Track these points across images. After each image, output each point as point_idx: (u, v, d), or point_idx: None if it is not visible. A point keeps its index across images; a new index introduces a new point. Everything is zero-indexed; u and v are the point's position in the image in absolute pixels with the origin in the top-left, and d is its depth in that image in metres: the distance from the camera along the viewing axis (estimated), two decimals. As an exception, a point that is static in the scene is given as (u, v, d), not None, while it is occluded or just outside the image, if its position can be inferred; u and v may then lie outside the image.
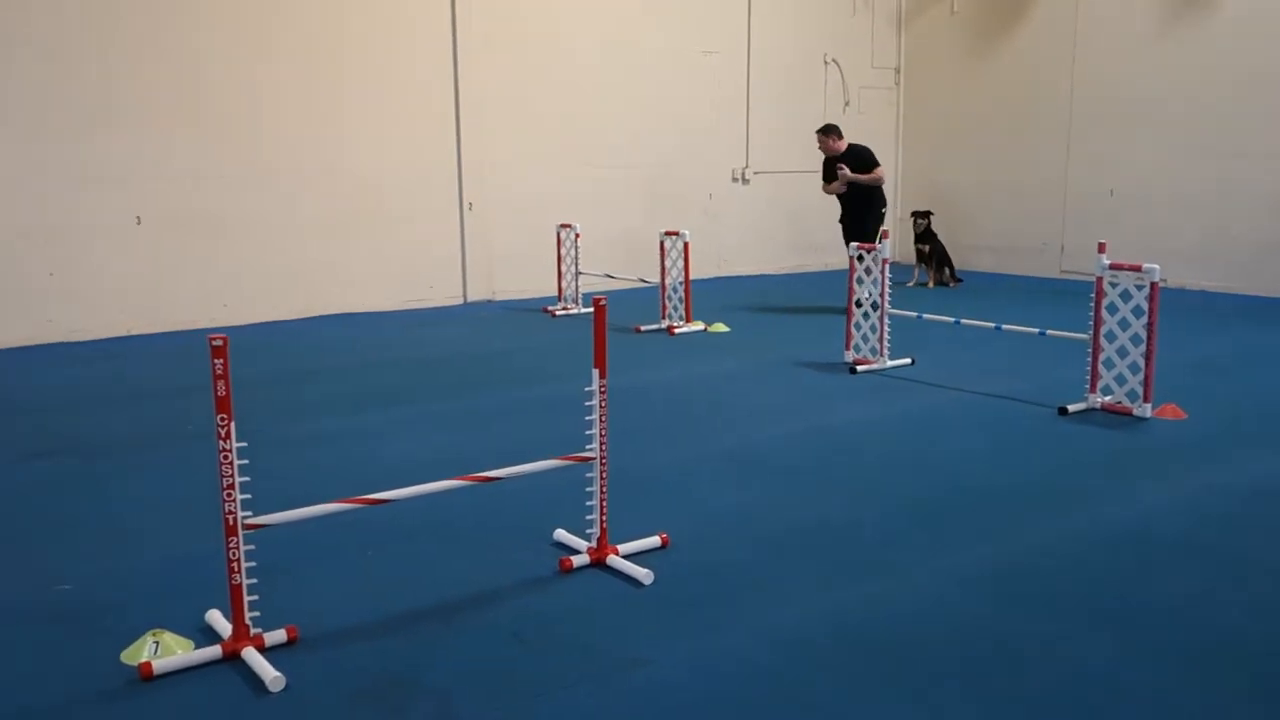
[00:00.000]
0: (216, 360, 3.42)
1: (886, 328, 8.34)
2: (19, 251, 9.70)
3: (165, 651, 3.58)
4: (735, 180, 14.71)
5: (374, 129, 11.53)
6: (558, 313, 11.47)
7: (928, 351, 8.82)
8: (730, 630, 3.79)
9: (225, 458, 3.48)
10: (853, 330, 8.50)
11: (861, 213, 11.52)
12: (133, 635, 3.70)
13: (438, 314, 11.69)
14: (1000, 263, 15.05)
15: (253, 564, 3.58)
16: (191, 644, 3.67)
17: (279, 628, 3.69)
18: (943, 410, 7.09)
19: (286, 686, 3.38)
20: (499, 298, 12.62)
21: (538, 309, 11.81)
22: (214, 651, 3.58)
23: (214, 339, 3.42)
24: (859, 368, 8.27)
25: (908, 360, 8.46)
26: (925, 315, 8.53)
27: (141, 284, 10.36)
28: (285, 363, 8.85)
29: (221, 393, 3.42)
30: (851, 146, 11.65)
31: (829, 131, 11.67)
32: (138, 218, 10.33)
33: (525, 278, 12.70)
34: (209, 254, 10.69)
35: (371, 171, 11.55)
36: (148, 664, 3.48)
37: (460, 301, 12.43)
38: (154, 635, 3.64)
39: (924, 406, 7.19)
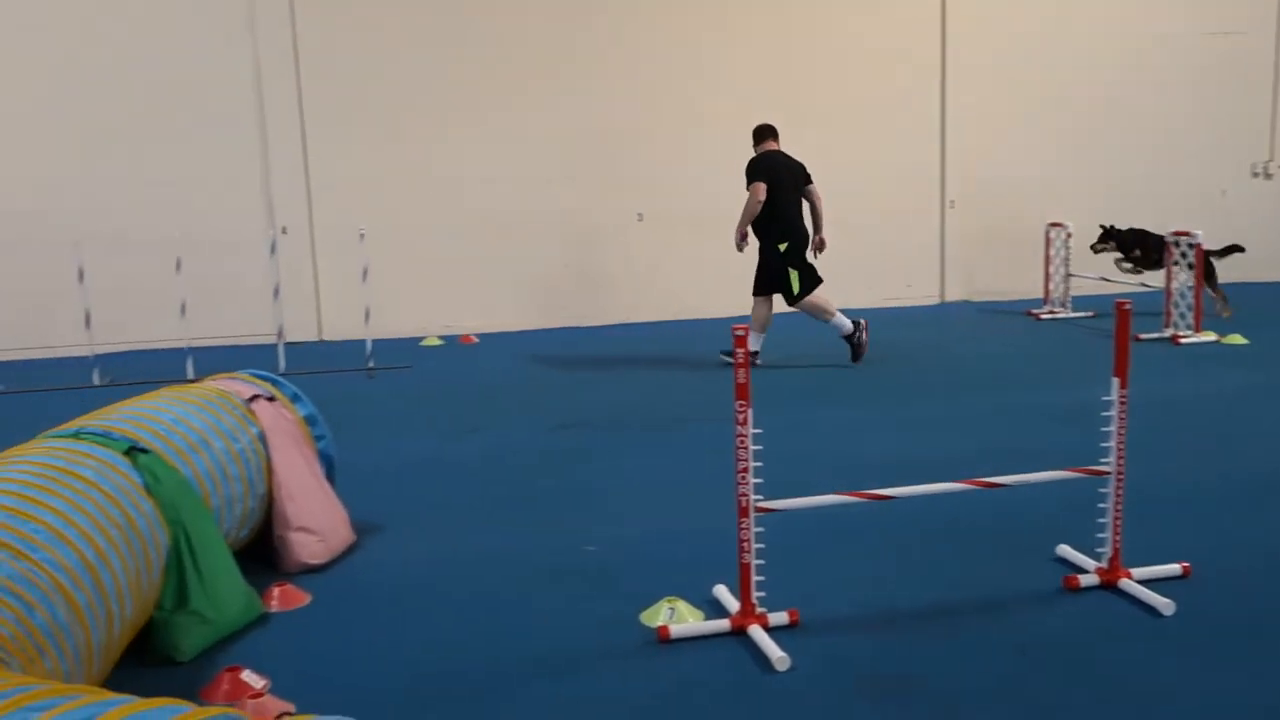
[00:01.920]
0: (738, 350, 3.60)
1: None
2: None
3: (679, 619, 3.84)
4: (1256, 175, 13.11)
5: (857, 123, 11.58)
6: (1043, 316, 10.89)
7: None
8: (1268, 674, 3.38)
9: (742, 442, 3.65)
10: None
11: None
12: (649, 599, 4.00)
13: (913, 313, 11.54)
14: None
15: (761, 545, 3.74)
16: (702, 614, 3.90)
17: (782, 609, 3.81)
18: None
19: (791, 667, 3.48)
20: (977, 298, 12.20)
21: (1018, 311, 11.27)
22: (722, 624, 3.78)
23: (736, 329, 3.60)
24: None
25: None
26: None
27: (643, 276, 11.21)
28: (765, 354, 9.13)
29: (741, 379, 3.60)
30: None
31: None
32: (639, 214, 11.19)
33: (1005, 278, 12.16)
34: (700, 249, 11.32)
35: (856, 167, 11.60)
36: (665, 628, 3.75)
37: (936, 301, 12.18)
38: (669, 602, 3.91)
39: None
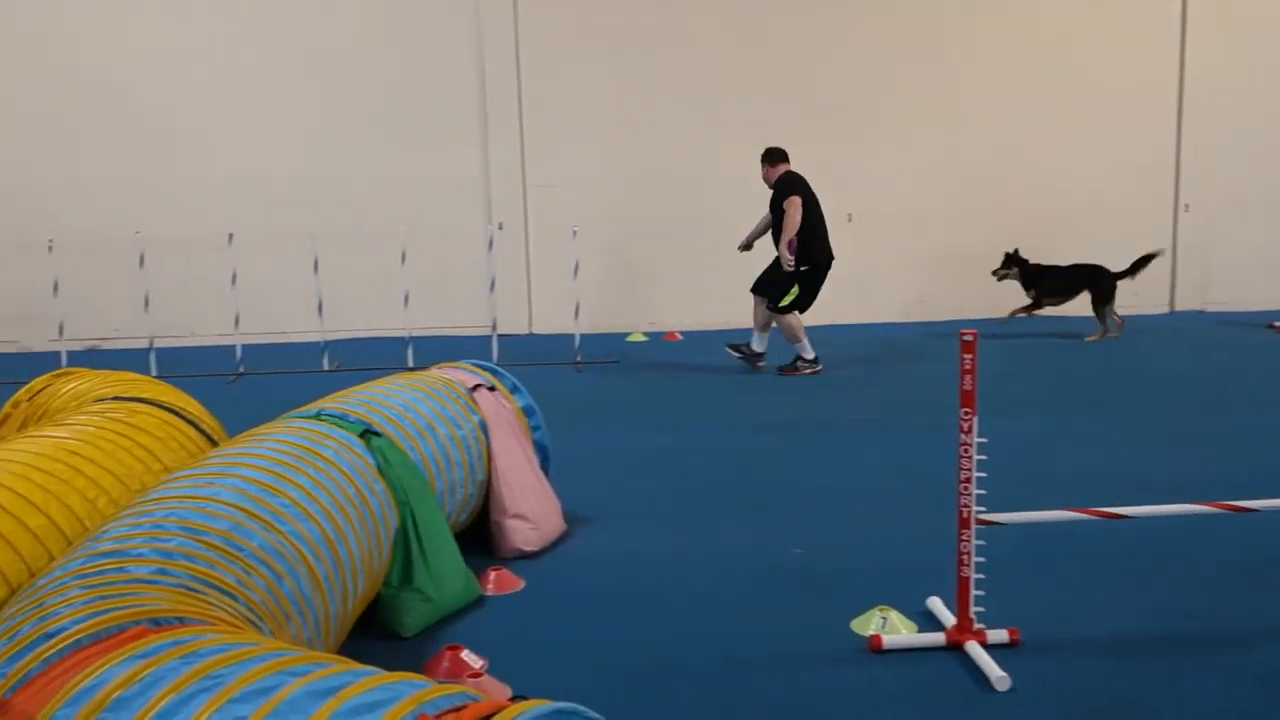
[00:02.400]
0: (965, 355, 3.47)
1: None
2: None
3: (892, 629, 3.75)
4: None
5: (1088, 124, 11.04)
6: (1286, 329, 10.11)
7: None
8: None
9: (965, 451, 3.53)
10: None
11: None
12: (859, 606, 3.92)
13: (1141, 323, 10.88)
14: None
15: (981, 559, 3.60)
16: (915, 626, 3.80)
17: (1000, 627, 3.66)
18: None
19: (1011, 688, 3.34)
20: (1211, 308, 11.41)
21: (1258, 324, 10.47)
22: (937, 638, 3.66)
23: (964, 334, 3.48)
24: None
25: None
26: None
27: (849, 278, 11.02)
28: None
29: (968, 386, 3.47)
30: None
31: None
32: (849, 215, 11.00)
33: (1246, 286, 11.32)
34: (908, 248, 11.06)
35: (1079, 166, 11.07)
36: (877, 637, 3.67)
37: (1166, 311, 11.47)
38: (881, 611, 3.83)
39: None
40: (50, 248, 9.06)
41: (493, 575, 4.31)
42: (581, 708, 1.92)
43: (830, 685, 3.44)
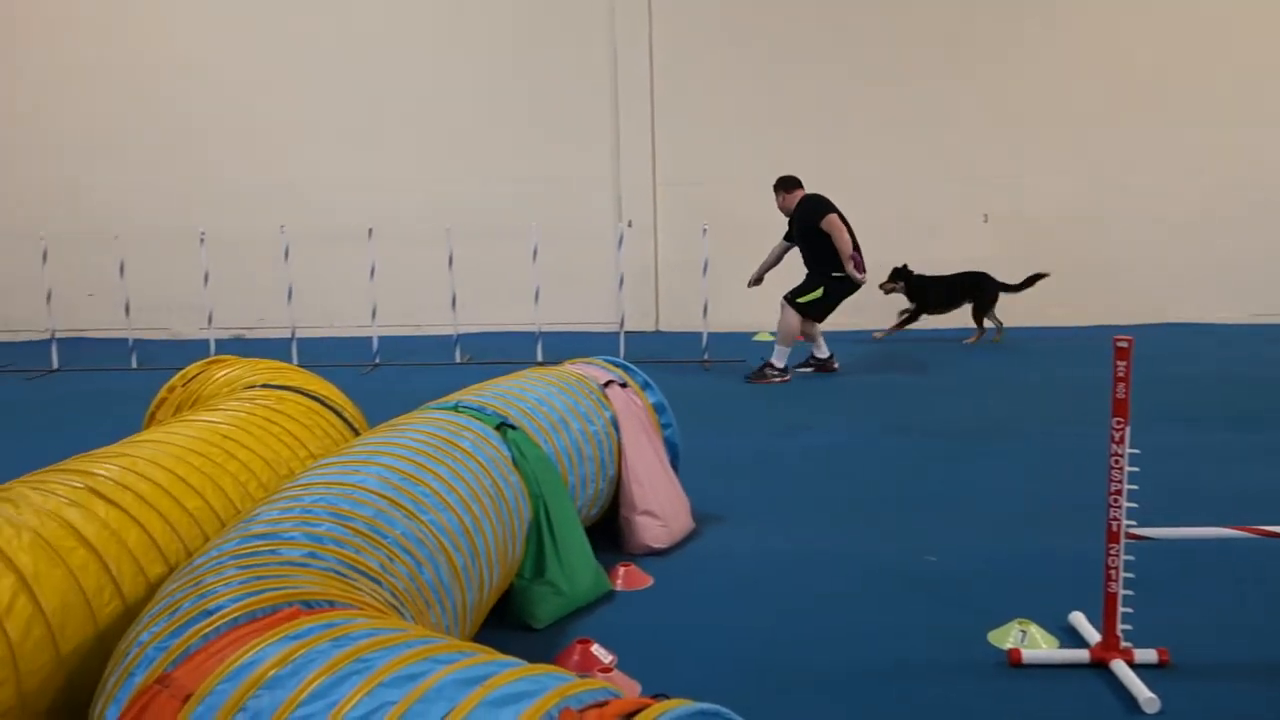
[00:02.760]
0: (1119, 362, 3.34)
1: None
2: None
3: (1032, 643, 3.64)
4: None
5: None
6: None
7: None
8: None
9: (1116, 462, 3.39)
10: None
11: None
12: (994, 616, 3.82)
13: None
14: None
15: (1129, 575, 3.46)
16: (1056, 641, 3.67)
17: (1148, 646, 3.52)
18: None
19: (1159, 710, 3.20)
20: None
21: None
22: (1080, 655, 3.53)
23: (1119, 340, 3.35)
24: None
25: None
26: None
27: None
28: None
29: (1121, 395, 3.34)
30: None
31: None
32: (984, 215, 10.75)
33: None
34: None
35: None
36: (1016, 650, 3.56)
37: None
38: (1021, 624, 3.71)
39: None
40: (202, 240, 9.46)
41: (622, 571, 4.33)
42: (724, 709, 1.90)
43: (969, 699, 3.35)
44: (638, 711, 1.81)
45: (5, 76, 11.07)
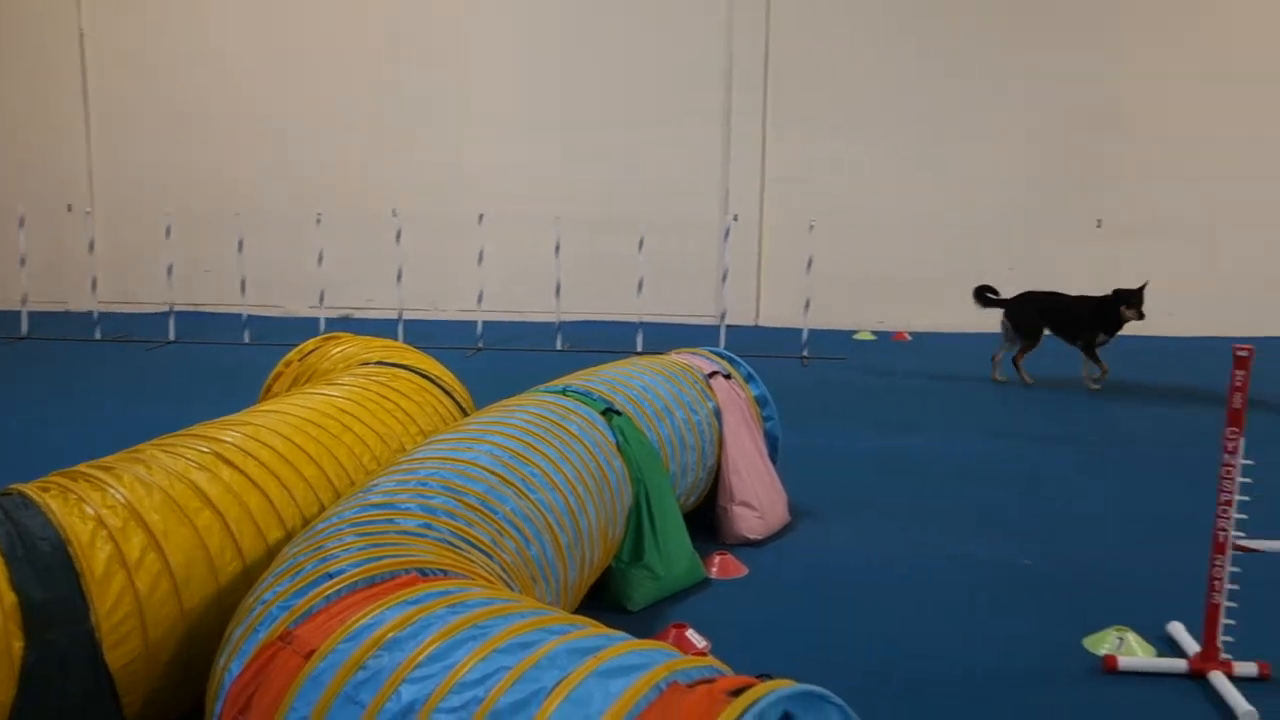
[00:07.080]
0: (1237, 371, 3.29)
1: None
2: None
3: (1129, 651, 3.60)
4: None
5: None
6: None
7: None
8: None
9: (1228, 472, 3.34)
10: None
11: None
12: (1092, 624, 3.78)
13: None
14: None
15: (1234, 587, 3.41)
16: (1153, 650, 3.63)
17: (1249, 659, 3.46)
18: None
19: (1260, 725, 3.16)
20: None
21: None
22: (1178, 664, 3.49)
23: (1238, 349, 3.29)
24: None
25: None
26: None
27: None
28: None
29: (1237, 405, 3.29)
30: None
31: None
32: (1098, 221, 10.53)
33: None
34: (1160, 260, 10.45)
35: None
36: (1112, 657, 3.53)
37: None
38: (1118, 631, 3.68)
39: None
40: (318, 220, 9.76)
41: (717, 559, 4.39)
42: (829, 693, 1.95)
43: (1064, 703, 3.34)
44: (745, 688, 1.86)
45: (137, 57, 11.51)
